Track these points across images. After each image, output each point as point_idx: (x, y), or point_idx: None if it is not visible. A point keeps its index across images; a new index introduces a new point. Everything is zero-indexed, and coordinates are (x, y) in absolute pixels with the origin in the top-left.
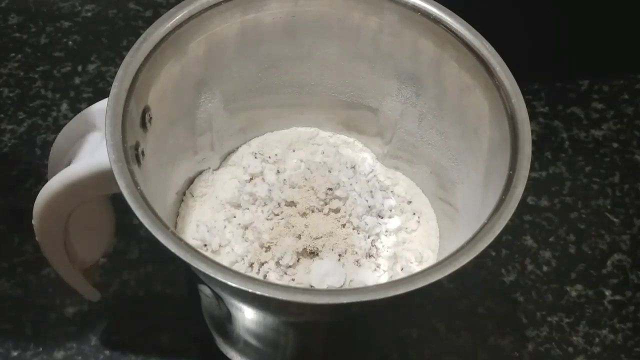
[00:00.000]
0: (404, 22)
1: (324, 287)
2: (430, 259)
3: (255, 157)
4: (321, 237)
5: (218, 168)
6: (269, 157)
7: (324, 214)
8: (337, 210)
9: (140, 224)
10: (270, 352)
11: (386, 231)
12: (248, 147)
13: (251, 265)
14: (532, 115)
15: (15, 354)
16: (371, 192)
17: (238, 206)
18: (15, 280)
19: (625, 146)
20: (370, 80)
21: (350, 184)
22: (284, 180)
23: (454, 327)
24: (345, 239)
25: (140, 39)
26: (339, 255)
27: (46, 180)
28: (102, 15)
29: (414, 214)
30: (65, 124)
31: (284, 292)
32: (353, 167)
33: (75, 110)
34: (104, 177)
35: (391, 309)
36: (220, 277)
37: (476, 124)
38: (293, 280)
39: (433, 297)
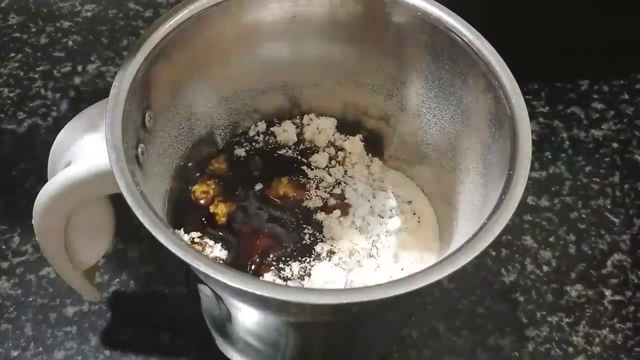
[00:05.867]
0: (404, 22)
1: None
2: (430, 259)
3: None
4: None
5: None
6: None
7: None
8: (338, 211)
9: (140, 224)
10: (270, 352)
11: (387, 231)
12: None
13: None
14: (532, 115)
15: (15, 354)
16: (372, 192)
17: None
18: (15, 280)
19: (625, 146)
20: (370, 80)
21: (353, 183)
22: None
23: (454, 327)
24: (347, 239)
25: (140, 39)
26: (340, 256)
27: (46, 180)
28: (102, 15)
29: (414, 214)
30: (65, 124)
31: (284, 292)
32: (354, 168)
33: (75, 110)
34: (104, 177)
35: (391, 309)
36: (220, 277)
37: (476, 124)
38: None
39: (433, 297)
